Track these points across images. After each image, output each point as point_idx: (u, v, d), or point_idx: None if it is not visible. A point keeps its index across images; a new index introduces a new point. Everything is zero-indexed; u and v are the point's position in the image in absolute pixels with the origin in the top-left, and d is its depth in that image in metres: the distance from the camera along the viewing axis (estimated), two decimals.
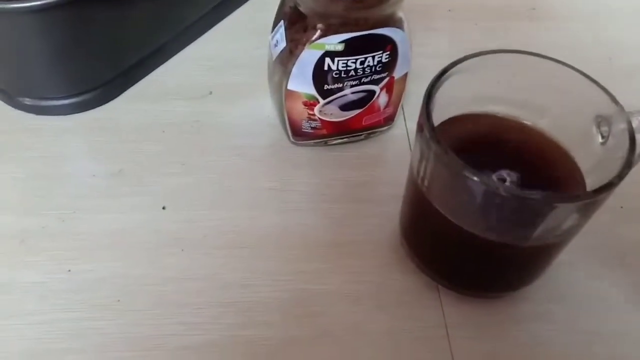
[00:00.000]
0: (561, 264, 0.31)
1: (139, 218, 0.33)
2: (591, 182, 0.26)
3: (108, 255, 0.31)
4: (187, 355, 0.28)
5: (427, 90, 0.25)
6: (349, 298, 0.30)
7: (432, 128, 0.24)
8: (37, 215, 0.33)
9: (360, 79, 0.32)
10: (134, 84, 0.40)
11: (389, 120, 0.36)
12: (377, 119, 0.36)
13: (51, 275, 0.30)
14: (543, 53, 0.27)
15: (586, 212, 0.24)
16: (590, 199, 0.22)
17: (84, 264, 0.31)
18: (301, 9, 0.30)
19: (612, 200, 0.34)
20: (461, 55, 0.26)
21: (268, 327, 0.29)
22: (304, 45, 0.30)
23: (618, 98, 0.25)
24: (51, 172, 0.35)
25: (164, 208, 0.33)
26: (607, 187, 0.22)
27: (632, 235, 0.33)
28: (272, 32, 0.33)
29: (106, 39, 0.36)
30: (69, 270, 0.31)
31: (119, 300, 0.29)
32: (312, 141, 0.36)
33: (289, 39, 0.31)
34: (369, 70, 0.32)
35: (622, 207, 0.34)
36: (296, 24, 0.31)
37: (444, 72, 0.25)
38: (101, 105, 0.38)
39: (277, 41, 0.32)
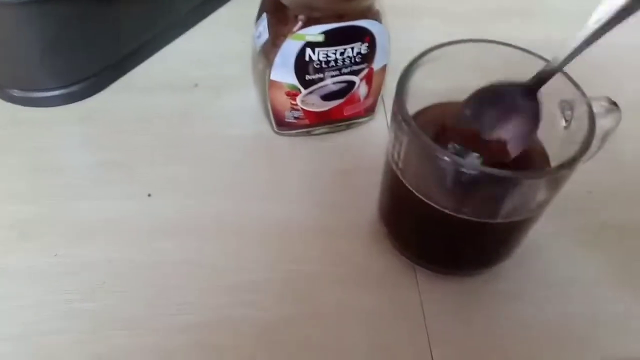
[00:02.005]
0: (534, 245, 0.33)
1: (127, 206, 0.34)
2: (556, 164, 0.27)
3: (96, 241, 0.32)
4: (176, 334, 0.29)
5: (400, 76, 0.26)
6: (332, 279, 0.31)
7: (405, 111, 0.25)
8: (27, 203, 0.34)
9: (340, 69, 0.33)
10: (122, 76, 0.41)
11: (370, 111, 0.38)
12: (357, 110, 0.37)
13: (40, 260, 0.31)
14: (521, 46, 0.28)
15: (552, 188, 0.25)
16: (552, 175, 0.24)
17: (72, 249, 0.32)
18: (283, 0, 0.31)
19: (582, 186, 0.36)
20: None
21: (257, 307, 0.30)
22: (286, 36, 0.31)
23: (582, 85, 0.27)
24: (40, 162, 0.36)
25: (149, 195, 0.34)
26: (568, 164, 0.24)
27: (601, 218, 0.35)
28: (255, 24, 0.34)
29: (95, 32, 0.37)
30: (56, 255, 0.32)
31: (104, 283, 0.30)
32: (296, 131, 0.37)
33: (271, 31, 0.32)
34: (348, 61, 0.33)
35: (590, 192, 0.36)
36: (278, 16, 0.32)
37: (417, 59, 0.26)
38: (90, 96, 0.39)
39: (260, 33, 0.33)
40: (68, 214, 0.33)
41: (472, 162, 0.23)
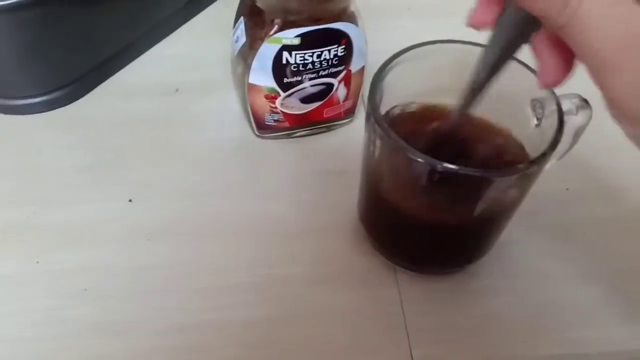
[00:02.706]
0: (511, 242, 0.33)
1: (108, 211, 0.34)
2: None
3: (77, 246, 0.32)
4: (158, 338, 0.29)
5: (372, 78, 0.26)
6: (313, 280, 0.31)
7: (377, 113, 0.25)
8: (8, 210, 0.34)
9: (318, 72, 0.34)
10: (103, 81, 0.41)
11: (350, 113, 0.38)
12: (337, 112, 0.37)
13: (20, 267, 0.31)
14: None
15: (523, 185, 0.26)
16: (522, 172, 0.24)
17: (52, 255, 0.32)
18: (259, 4, 0.31)
19: (559, 182, 0.37)
20: None
21: (239, 309, 0.30)
22: (263, 39, 0.32)
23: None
24: (19, 168, 0.36)
25: (130, 201, 0.34)
26: (537, 161, 0.24)
27: (577, 214, 0.35)
28: (233, 28, 0.34)
29: (75, 37, 0.38)
30: (37, 262, 0.32)
31: (86, 289, 0.30)
32: (277, 134, 0.37)
33: (248, 34, 0.33)
34: (325, 64, 0.33)
35: (567, 189, 0.36)
36: (255, 20, 0.32)
37: (389, 61, 0.27)
38: (71, 102, 0.40)
39: (237, 37, 0.34)
40: (49, 221, 0.33)
41: (443, 163, 0.23)
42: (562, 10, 0.18)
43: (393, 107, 0.29)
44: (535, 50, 0.21)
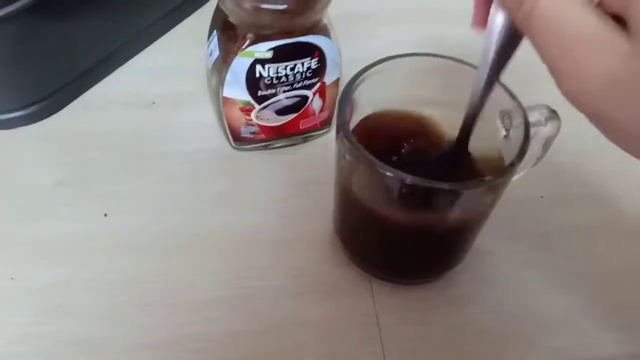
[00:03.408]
0: (486, 251, 0.33)
1: (84, 225, 0.34)
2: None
3: (53, 262, 0.32)
4: (134, 354, 0.29)
5: (342, 92, 0.27)
6: (288, 292, 0.32)
7: (346, 127, 0.26)
8: None
9: (292, 84, 0.34)
10: (80, 95, 0.41)
11: (326, 124, 0.38)
12: (313, 123, 0.37)
13: None
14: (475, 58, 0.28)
15: (493, 194, 0.26)
16: (489, 184, 0.24)
17: (28, 271, 0.32)
18: (231, 19, 0.32)
19: (534, 190, 0.37)
20: None
21: (214, 323, 0.30)
22: (235, 53, 0.32)
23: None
24: None
25: (105, 215, 0.34)
26: (504, 172, 0.24)
27: (552, 222, 0.35)
28: (207, 41, 0.35)
29: (51, 52, 0.37)
30: (12, 279, 0.31)
31: (61, 305, 0.30)
32: (253, 145, 0.38)
33: (221, 48, 0.33)
34: (299, 76, 0.33)
35: (542, 197, 0.36)
36: (228, 34, 0.32)
37: (358, 75, 0.27)
38: (47, 117, 0.39)
39: (211, 50, 0.34)
40: (25, 236, 0.33)
41: (411, 176, 0.24)
42: (519, 8, 0.19)
43: (365, 117, 0.30)
44: None
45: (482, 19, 0.23)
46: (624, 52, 0.17)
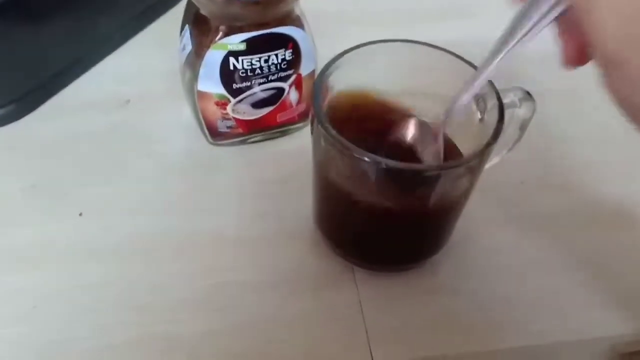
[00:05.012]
0: (467, 237, 0.33)
1: (54, 229, 0.33)
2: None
3: (23, 267, 0.31)
4: (108, 355, 0.28)
5: (316, 79, 0.26)
6: (272, 287, 0.31)
7: (321, 115, 0.25)
8: None
9: (267, 76, 0.33)
10: (50, 98, 0.40)
11: (304, 116, 0.38)
12: (291, 116, 0.37)
13: None
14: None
15: (471, 176, 0.26)
16: (466, 165, 0.24)
17: (2, 277, 0.31)
18: (203, 12, 0.31)
19: (514, 176, 0.37)
20: None
21: (185, 323, 0.30)
22: (208, 46, 0.31)
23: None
24: None
25: (80, 215, 0.33)
26: (480, 152, 0.24)
27: (533, 207, 0.35)
28: (180, 36, 0.34)
29: (17, 55, 0.37)
30: None
31: (35, 307, 0.30)
32: (231, 141, 0.37)
33: (194, 42, 0.32)
34: (274, 68, 0.33)
35: (522, 183, 0.37)
36: (200, 27, 0.32)
37: (331, 62, 0.27)
38: (17, 120, 0.38)
39: (184, 45, 0.33)
40: None
41: (387, 160, 0.24)
42: None
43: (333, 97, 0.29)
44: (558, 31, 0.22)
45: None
46: None
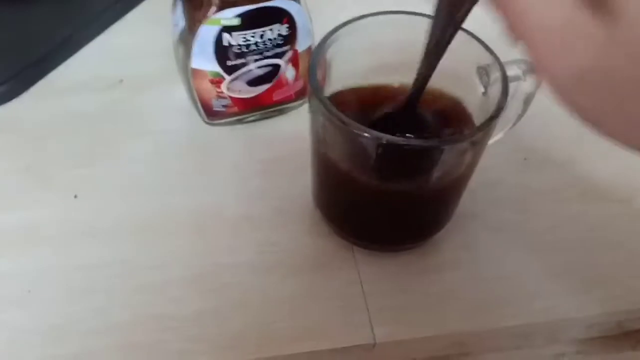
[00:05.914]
0: (469, 215, 0.33)
1: (49, 211, 0.32)
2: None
3: (16, 251, 0.31)
4: (104, 337, 0.28)
5: (313, 52, 0.25)
6: (262, 268, 0.31)
7: (318, 90, 0.24)
8: None
9: (262, 52, 0.32)
10: (41, 78, 0.39)
11: (301, 94, 0.37)
12: (287, 94, 0.36)
13: None
14: None
15: (474, 152, 0.25)
16: (470, 139, 0.24)
17: None
18: None
19: (517, 153, 0.37)
20: None
21: (181, 302, 0.29)
22: (201, 22, 0.30)
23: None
24: None
25: (75, 197, 0.33)
26: (484, 126, 0.23)
27: (534, 184, 0.35)
28: (171, 12, 0.33)
29: (5, 36, 0.36)
30: None
31: (29, 291, 0.29)
32: (226, 120, 0.36)
33: (187, 17, 0.31)
34: (270, 44, 0.32)
35: (525, 159, 0.36)
36: (193, 2, 0.31)
37: (329, 35, 0.26)
38: (9, 101, 0.38)
39: (177, 21, 0.32)
40: None
41: (387, 136, 0.23)
42: None
43: (338, 91, 0.28)
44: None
45: None
46: (598, 41, 0.15)
